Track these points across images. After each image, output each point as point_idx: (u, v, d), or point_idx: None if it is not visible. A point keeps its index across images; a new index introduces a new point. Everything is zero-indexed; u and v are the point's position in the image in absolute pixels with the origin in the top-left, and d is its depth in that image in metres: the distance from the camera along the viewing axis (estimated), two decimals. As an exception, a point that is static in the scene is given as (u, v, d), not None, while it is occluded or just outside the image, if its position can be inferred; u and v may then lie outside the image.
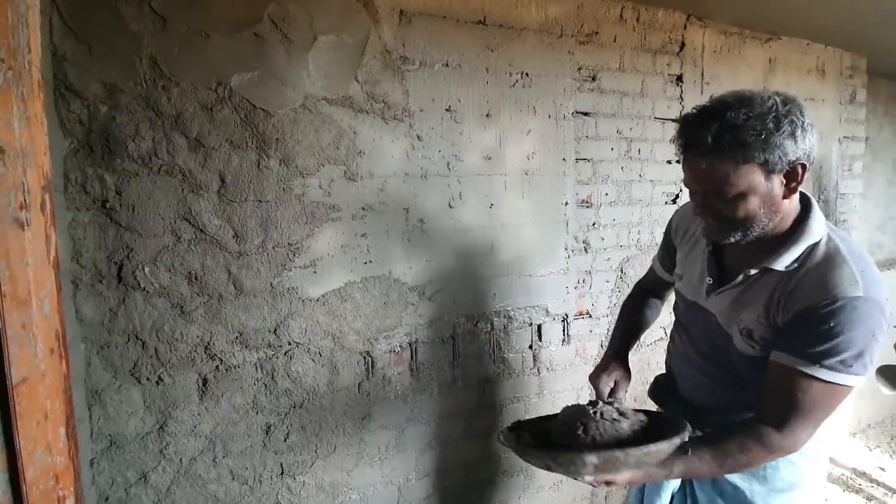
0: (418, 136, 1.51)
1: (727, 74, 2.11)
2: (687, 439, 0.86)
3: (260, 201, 1.32)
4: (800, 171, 0.84)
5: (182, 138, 1.23)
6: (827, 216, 2.51)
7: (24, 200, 0.85)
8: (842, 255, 0.86)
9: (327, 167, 1.40)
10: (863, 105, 2.62)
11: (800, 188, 0.88)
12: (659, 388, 1.21)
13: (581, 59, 1.76)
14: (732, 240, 0.90)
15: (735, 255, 0.98)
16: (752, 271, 0.92)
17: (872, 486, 2.40)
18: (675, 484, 1.12)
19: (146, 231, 1.22)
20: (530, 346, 1.79)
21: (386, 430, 1.58)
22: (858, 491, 2.37)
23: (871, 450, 2.75)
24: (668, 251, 1.21)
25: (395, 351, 1.56)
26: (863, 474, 2.51)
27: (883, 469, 2.56)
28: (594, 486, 0.92)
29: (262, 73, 1.29)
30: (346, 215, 1.44)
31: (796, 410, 0.86)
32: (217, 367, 1.33)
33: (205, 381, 1.32)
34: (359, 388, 1.52)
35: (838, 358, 0.82)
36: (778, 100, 0.81)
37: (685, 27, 1.97)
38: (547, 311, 1.81)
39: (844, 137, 2.55)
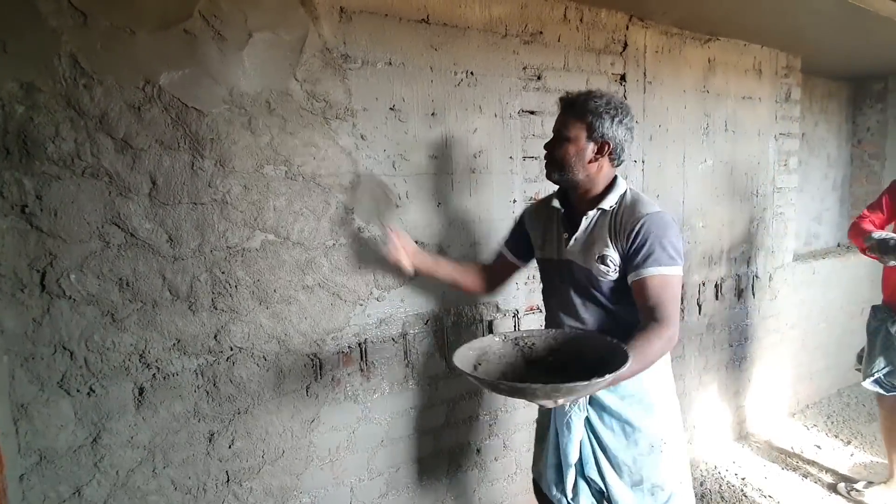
0: (362, 136, 1.50)
1: (669, 73, 2.18)
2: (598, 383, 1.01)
3: (195, 203, 1.28)
4: (605, 147, 1.22)
5: (108, 139, 1.18)
6: (763, 209, 2.64)
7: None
8: (640, 195, 1.26)
9: (267, 168, 1.37)
10: (797, 103, 2.76)
11: (611, 167, 1.26)
12: None
13: (526, 58, 1.79)
14: (555, 177, 1.28)
15: (577, 216, 1.30)
16: (591, 213, 1.26)
17: (809, 464, 2.55)
18: (580, 433, 1.30)
19: (71, 237, 1.16)
20: (481, 343, 1.81)
21: (336, 432, 1.57)
22: (795, 469, 2.52)
23: (808, 429, 2.92)
24: (513, 237, 1.50)
25: (343, 352, 1.55)
26: (800, 452, 2.66)
27: (819, 447, 2.72)
28: (553, 406, 1.05)
29: (194, 72, 1.25)
30: (289, 216, 1.42)
31: (661, 303, 1.16)
32: (154, 375, 1.29)
33: (141, 391, 1.28)
34: (307, 391, 1.50)
35: (666, 254, 1.17)
36: (616, 98, 1.23)
37: (627, 27, 2.02)
38: (497, 308, 1.83)
39: (780, 134, 2.68)
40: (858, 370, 2.22)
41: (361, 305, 1.56)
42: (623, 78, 2.04)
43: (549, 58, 1.84)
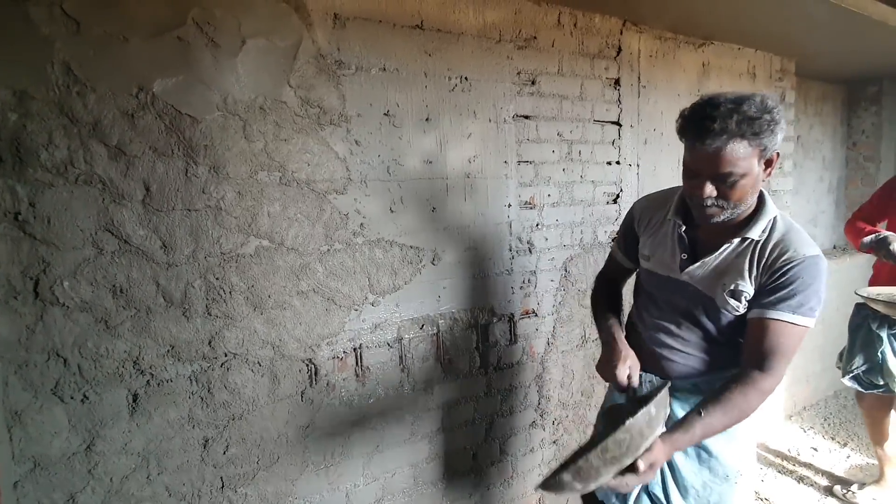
0: (356, 141, 1.51)
1: (663, 78, 2.19)
2: (668, 388, 0.99)
3: (189, 210, 1.28)
4: (775, 158, 1.04)
5: (101, 146, 1.18)
6: (759, 212, 2.63)
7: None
8: (794, 226, 1.10)
9: (261, 174, 1.37)
10: (792, 106, 2.77)
11: None
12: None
13: (520, 63, 1.79)
14: (721, 218, 1.06)
15: (706, 233, 1.15)
16: (735, 240, 1.10)
17: (805, 467, 2.55)
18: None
19: (64, 244, 1.16)
20: (476, 347, 1.82)
21: (332, 437, 1.57)
22: (792, 472, 2.52)
23: (805, 431, 2.92)
24: (627, 240, 1.35)
25: (338, 357, 1.55)
26: (797, 455, 2.66)
27: (815, 449, 2.72)
28: (647, 480, 0.97)
29: (188, 79, 1.26)
30: (283, 222, 1.42)
31: (776, 353, 1.04)
32: (148, 381, 1.28)
33: (135, 397, 1.28)
34: (301, 397, 1.50)
35: (808, 305, 1.03)
36: (768, 99, 0.98)
37: (621, 32, 2.03)
38: (493, 312, 1.83)
39: (775, 137, 2.69)
40: (840, 368, 2.23)
41: (356, 310, 1.56)
42: (617, 82, 2.05)
43: (543, 63, 1.85)
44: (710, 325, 1.15)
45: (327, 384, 1.54)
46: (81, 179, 1.17)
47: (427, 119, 1.62)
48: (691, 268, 1.15)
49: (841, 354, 2.21)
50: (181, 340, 1.31)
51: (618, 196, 2.11)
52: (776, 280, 1.04)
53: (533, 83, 1.83)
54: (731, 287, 1.09)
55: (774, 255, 1.06)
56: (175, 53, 1.24)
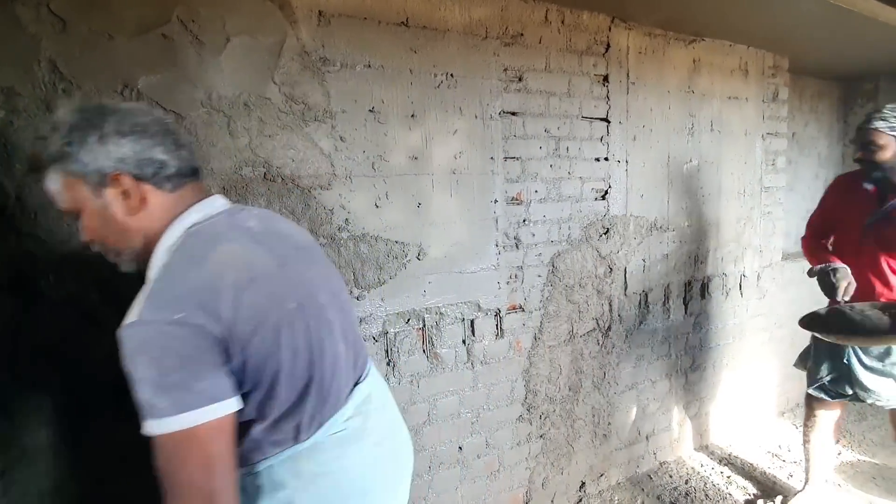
0: (341, 138, 1.53)
1: (652, 74, 2.19)
2: None
3: (174, 205, 1.31)
4: (124, 182, 0.78)
5: (86, 142, 1.20)
6: (751, 208, 2.64)
7: None
8: (156, 275, 0.77)
9: (245, 169, 1.39)
10: (785, 103, 2.76)
11: (163, 197, 0.82)
12: None
13: (507, 60, 1.80)
14: (124, 268, 0.87)
15: None
16: None
17: (795, 464, 2.56)
18: None
19: (50, 237, 1.19)
20: (463, 341, 1.83)
21: (318, 429, 1.59)
22: (781, 468, 2.53)
23: (797, 428, 2.93)
24: None
25: (324, 350, 1.58)
26: (787, 451, 2.67)
27: (806, 445, 2.72)
28: None
29: (173, 75, 1.28)
30: (268, 217, 1.44)
31: (165, 485, 0.71)
32: (134, 373, 1.31)
33: (122, 391, 1.30)
34: (287, 389, 1.52)
35: (143, 398, 0.70)
36: (71, 113, 0.78)
37: (610, 29, 2.04)
38: (479, 307, 1.85)
39: (767, 134, 2.69)
40: (797, 367, 2.15)
41: (342, 305, 1.58)
42: (606, 79, 2.06)
43: (530, 59, 1.86)
44: None
45: (313, 377, 1.56)
46: (67, 174, 1.19)
47: (412, 115, 1.64)
48: None
49: (802, 356, 2.12)
50: (167, 333, 1.33)
51: (606, 192, 2.12)
52: None
53: (520, 80, 1.85)
54: None
55: None
56: (160, 51, 1.26)
